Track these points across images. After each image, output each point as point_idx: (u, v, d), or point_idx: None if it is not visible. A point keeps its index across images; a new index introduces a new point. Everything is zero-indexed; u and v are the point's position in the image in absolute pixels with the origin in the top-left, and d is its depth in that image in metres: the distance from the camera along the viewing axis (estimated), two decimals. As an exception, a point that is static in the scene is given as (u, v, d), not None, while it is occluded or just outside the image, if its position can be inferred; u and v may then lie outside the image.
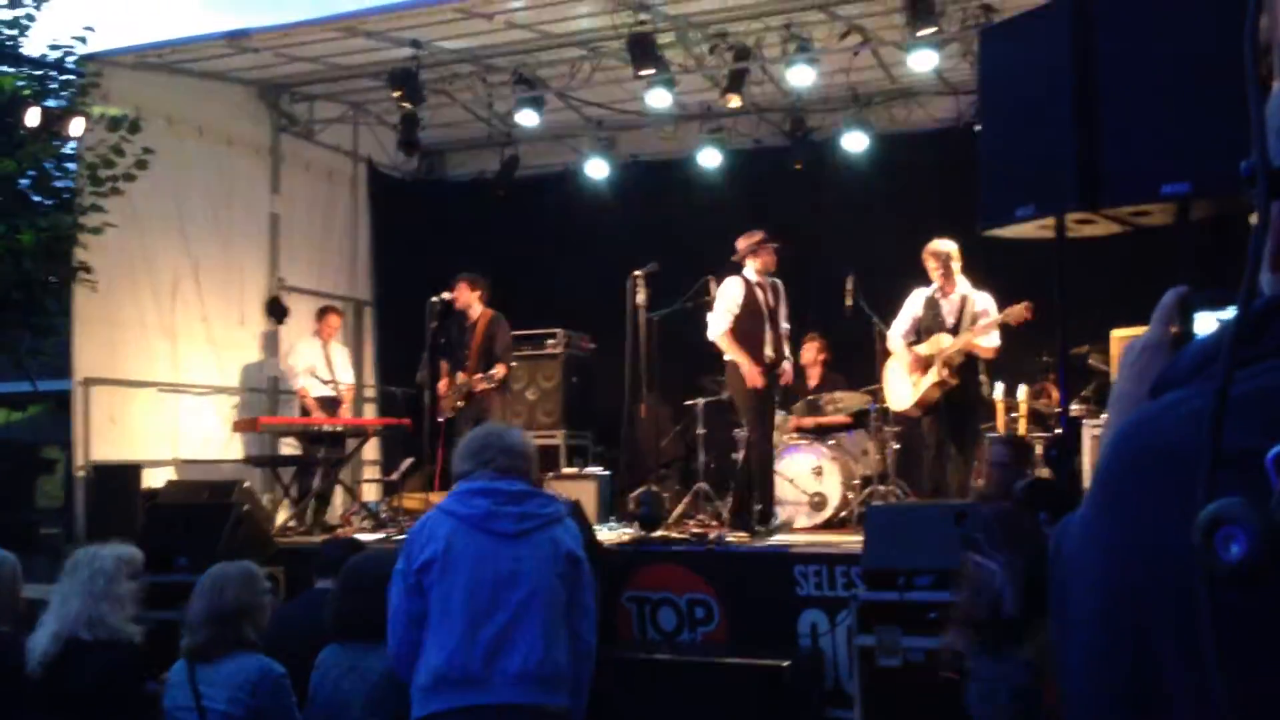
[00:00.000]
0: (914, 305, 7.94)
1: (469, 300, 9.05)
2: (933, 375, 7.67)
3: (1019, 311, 7.42)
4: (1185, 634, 0.81)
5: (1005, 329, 7.70)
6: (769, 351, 7.82)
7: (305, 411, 9.57)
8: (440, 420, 9.06)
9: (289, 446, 9.84)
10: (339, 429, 9.58)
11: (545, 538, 3.69)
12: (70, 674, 4.00)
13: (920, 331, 7.87)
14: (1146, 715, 0.87)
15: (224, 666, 3.92)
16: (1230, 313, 1.30)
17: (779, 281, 8.08)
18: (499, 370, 8.81)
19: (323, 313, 9.95)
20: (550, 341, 10.38)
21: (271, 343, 10.58)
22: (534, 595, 3.59)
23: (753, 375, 7.62)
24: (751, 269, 7.94)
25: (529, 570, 3.61)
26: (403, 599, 3.60)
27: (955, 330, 7.67)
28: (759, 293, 7.91)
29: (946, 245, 7.75)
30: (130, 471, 8.60)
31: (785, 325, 8.05)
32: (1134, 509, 0.90)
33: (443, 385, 9.06)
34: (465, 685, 3.50)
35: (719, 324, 7.77)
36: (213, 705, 3.87)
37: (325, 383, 9.66)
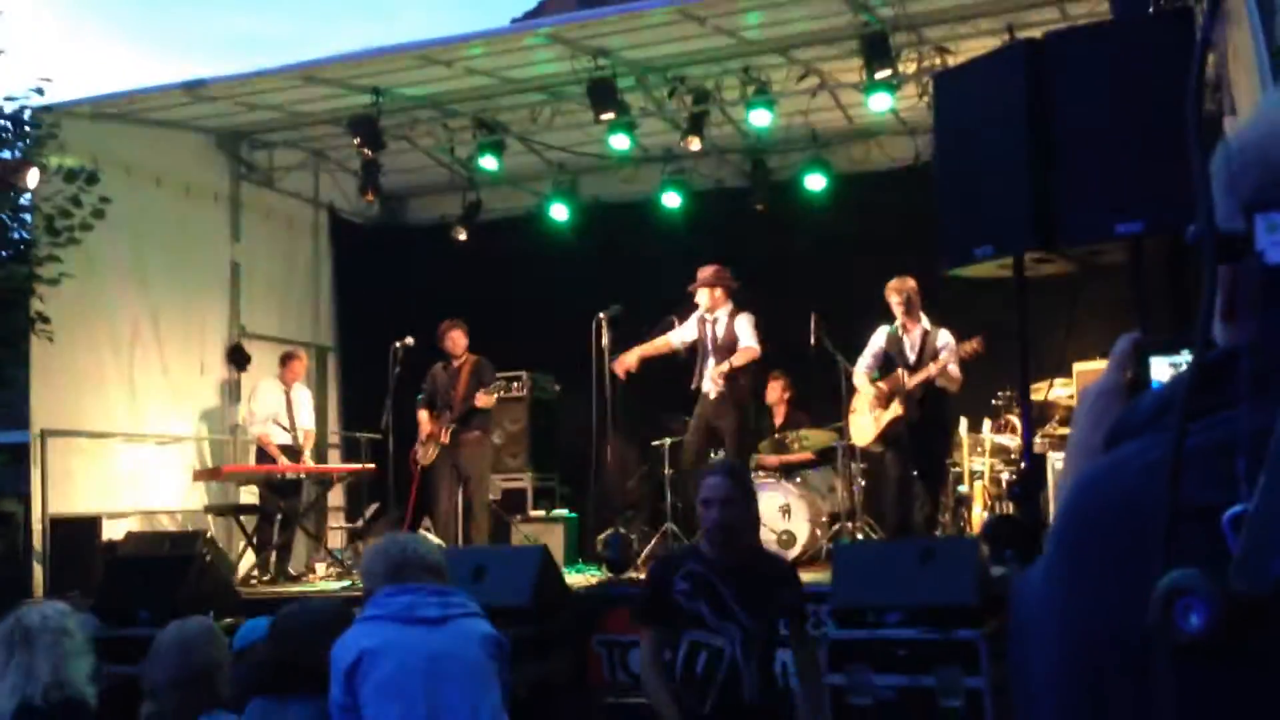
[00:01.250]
0: (877, 342, 8.04)
1: (462, 347, 9.10)
2: (894, 409, 7.75)
3: (971, 346, 7.54)
4: (1144, 702, 0.80)
5: (966, 364, 7.79)
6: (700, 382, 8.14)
7: (266, 457, 9.45)
8: (419, 466, 9.03)
9: (251, 495, 9.73)
10: (302, 476, 9.50)
11: (471, 623, 3.67)
12: None
13: (883, 367, 7.97)
14: None
15: None
16: (1186, 358, 1.32)
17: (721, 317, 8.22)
18: (483, 399, 8.88)
19: (286, 357, 9.86)
20: (516, 384, 10.35)
21: (233, 390, 10.49)
22: (470, 672, 3.56)
23: None
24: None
25: (459, 650, 3.57)
26: (334, 701, 3.53)
27: (917, 366, 7.76)
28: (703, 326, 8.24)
29: (908, 282, 7.87)
30: (89, 524, 8.47)
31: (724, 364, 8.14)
32: (1090, 566, 0.89)
33: (427, 431, 9.01)
34: None
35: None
36: None
37: (286, 430, 9.57)
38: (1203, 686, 0.77)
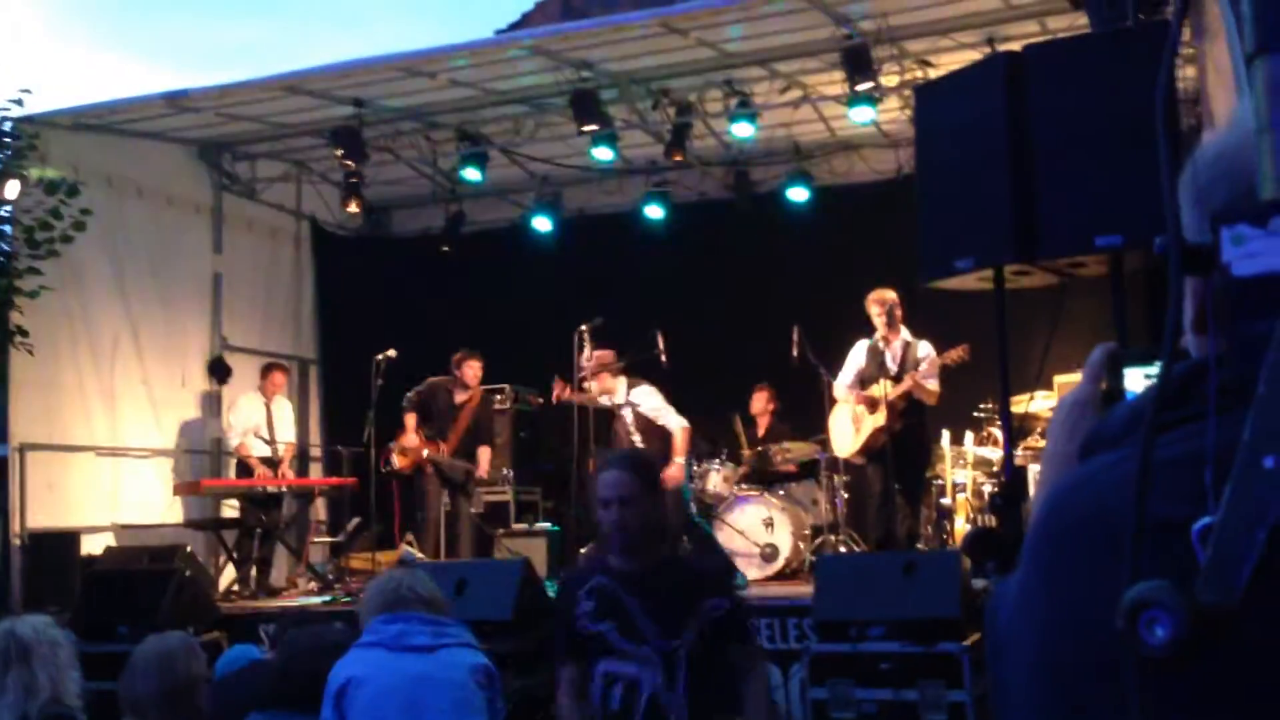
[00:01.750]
0: (857, 356, 8.06)
1: (476, 380, 9.15)
2: (878, 419, 7.77)
3: (957, 354, 7.58)
4: (1119, 710, 0.80)
5: (949, 376, 7.81)
6: None
7: (246, 470, 9.39)
8: (395, 475, 9.02)
9: (232, 509, 9.67)
10: (282, 489, 9.45)
11: (462, 652, 3.65)
12: None
13: (864, 381, 7.98)
14: None
15: None
16: (1158, 369, 1.32)
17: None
18: (484, 461, 9.03)
19: (268, 369, 9.80)
20: (498, 397, 10.34)
21: (214, 403, 10.43)
22: (453, 695, 3.54)
23: None
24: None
25: (444, 675, 3.55)
26: None
27: (898, 377, 7.78)
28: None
29: (889, 294, 7.89)
30: (68, 538, 8.41)
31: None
32: (1065, 578, 0.89)
33: (411, 443, 8.98)
34: None
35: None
36: None
37: (266, 442, 9.52)
38: (1169, 698, 0.77)
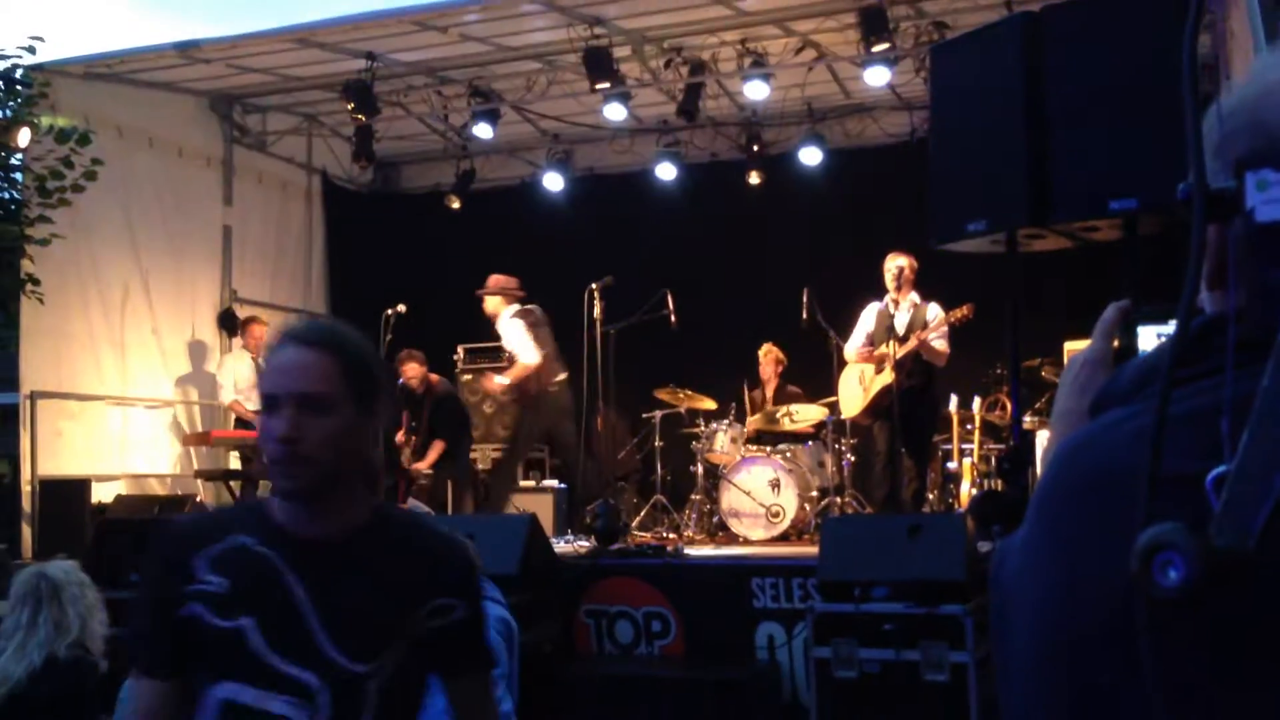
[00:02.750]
0: (866, 320, 8.06)
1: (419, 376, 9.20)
2: (884, 378, 7.77)
3: (961, 312, 7.59)
4: (1125, 662, 0.80)
5: (958, 339, 7.80)
6: None
7: (244, 425, 9.41)
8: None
9: (237, 462, 9.72)
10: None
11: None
12: (46, 692, 3.93)
13: (874, 344, 7.98)
14: None
15: None
16: (1171, 327, 1.32)
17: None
18: (433, 453, 9.05)
19: (246, 324, 9.71)
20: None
21: (224, 355, 10.47)
22: None
23: None
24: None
25: None
26: None
27: (906, 337, 7.78)
28: None
29: (904, 257, 7.88)
30: (78, 486, 8.47)
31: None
32: (1072, 535, 0.89)
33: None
34: None
35: None
36: None
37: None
38: (1182, 642, 0.77)
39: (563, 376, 8.61)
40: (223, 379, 9.53)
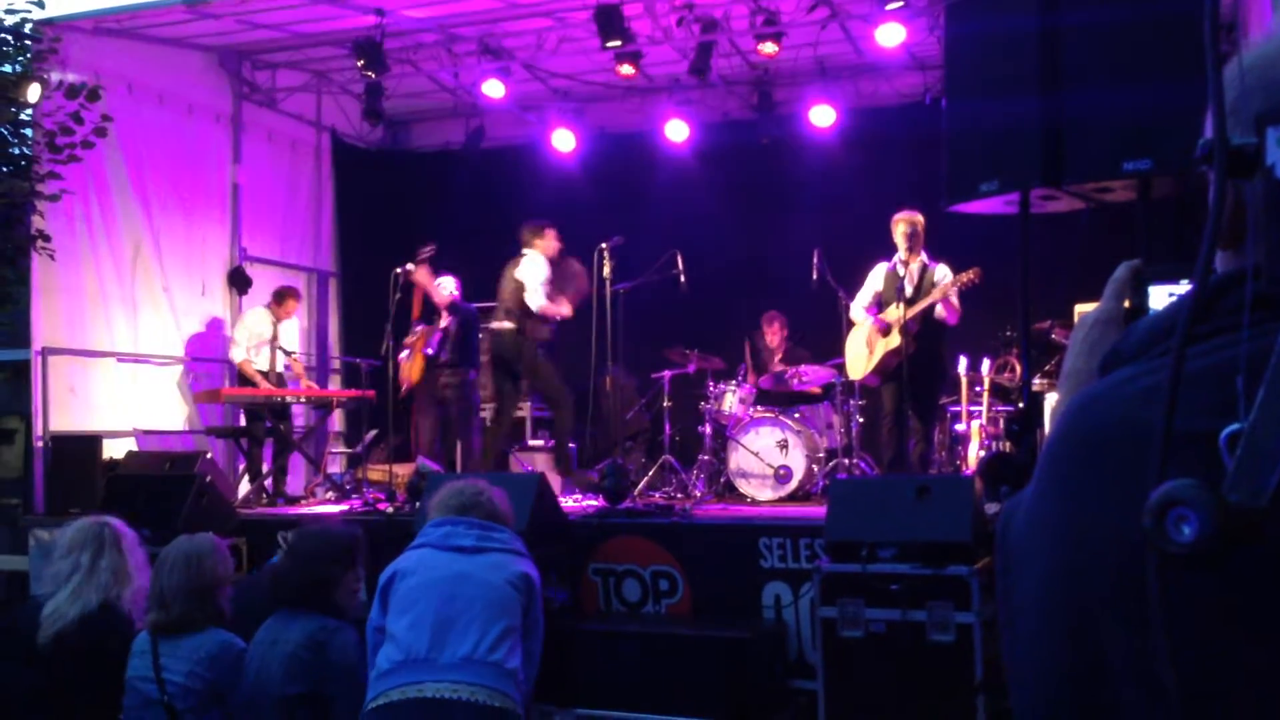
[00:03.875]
0: (875, 279, 8.03)
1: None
2: (891, 341, 7.76)
3: (967, 276, 7.55)
4: (1133, 618, 0.80)
5: (967, 300, 7.78)
6: None
7: (246, 383, 9.42)
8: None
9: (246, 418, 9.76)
10: (298, 400, 9.51)
11: (502, 557, 3.79)
12: (89, 640, 4.00)
13: (881, 304, 7.96)
14: (1094, 700, 0.87)
15: (187, 640, 3.91)
16: (1183, 287, 1.31)
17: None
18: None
19: (283, 294, 9.64)
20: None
21: (234, 313, 10.49)
22: (487, 595, 3.67)
23: None
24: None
25: (482, 575, 3.70)
26: (371, 622, 3.74)
27: (914, 299, 7.73)
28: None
29: (915, 216, 7.85)
30: (90, 442, 8.51)
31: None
32: (1081, 490, 0.89)
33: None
34: (411, 668, 3.57)
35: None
36: (171, 678, 3.86)
37: (286, 352, 9.49)
38: (1192, 598, 0.77)
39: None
40: (237, 335, 9.52)
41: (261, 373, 9.34)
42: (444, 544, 3.74)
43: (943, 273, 7.84)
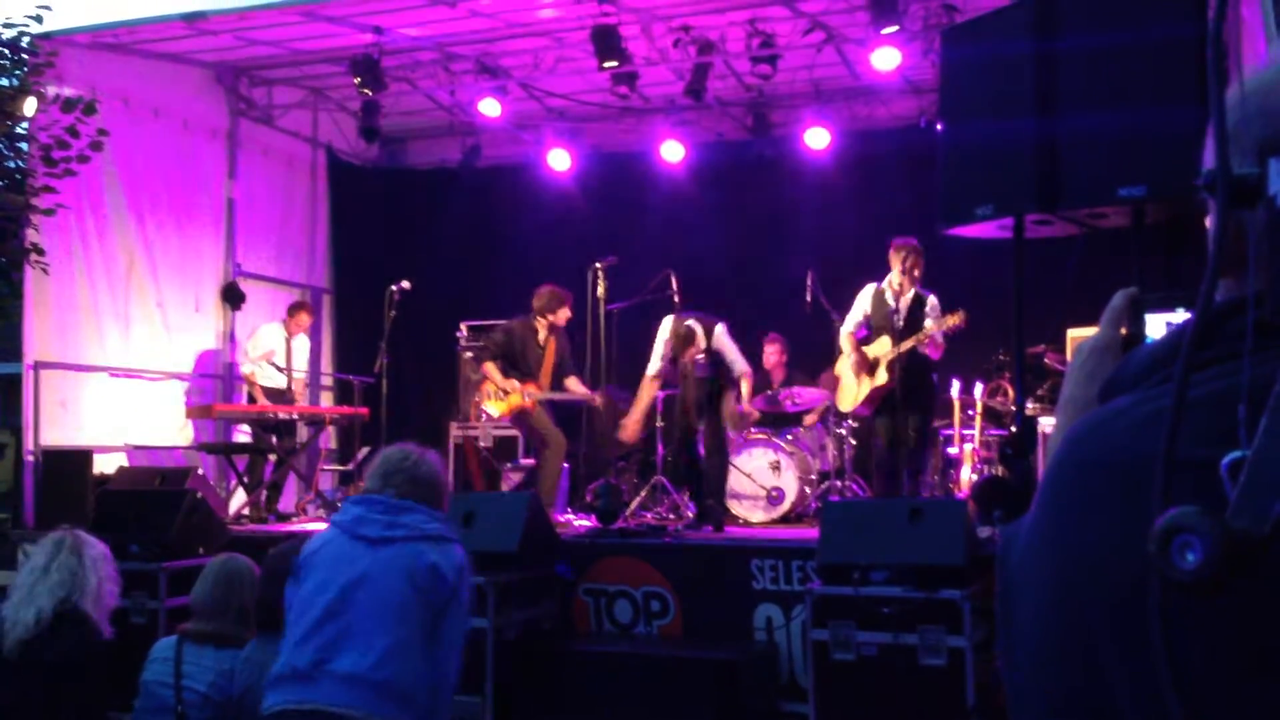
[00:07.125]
0: (864, 301, 7.87)
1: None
2: (879, 378, 7.67)
3: (953, 321, 7.44)
4: (1135, 646, 0.80)
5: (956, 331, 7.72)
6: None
7: (252, 399, 9.45)
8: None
9: (242, 434, 9.74)
10: (294, 416, 9.50)
11: (411, 549, 3.49)
12: (53, 654, 3.98)
13: (870, 327, 7.84)
14: None
15: (217, 651, 3.93)
16: (1180, 315, 1.31)
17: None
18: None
19: (296, 308, 9.73)
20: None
21: (227, 329, 10.48)
22: (380, 601, 3.42)
23: None
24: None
25: (380, 576, 3.44)
26: (286, 599, 3.63)
27: (904, 333, 7.61)
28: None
29: (912, 243, 7.71)
30: (81, 457, 8.48)
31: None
32: (1081, 517, 0.89)
33: (512, 384, 8.50)
34: (295, 682, 3.39)
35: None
36: (193, 685, 3.88)
37: (280, 370, 9.53)
38: (1196, 625, 0.77)
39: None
40: (250, 348, 9.55)
41: (266, 389, 9.36)
42: (353, 531, 3.54)
43: (933, 305, 7.72)
